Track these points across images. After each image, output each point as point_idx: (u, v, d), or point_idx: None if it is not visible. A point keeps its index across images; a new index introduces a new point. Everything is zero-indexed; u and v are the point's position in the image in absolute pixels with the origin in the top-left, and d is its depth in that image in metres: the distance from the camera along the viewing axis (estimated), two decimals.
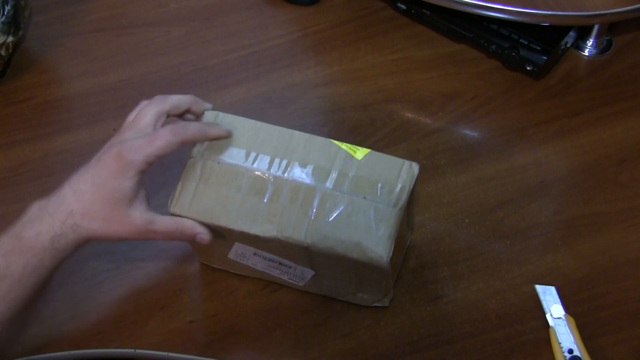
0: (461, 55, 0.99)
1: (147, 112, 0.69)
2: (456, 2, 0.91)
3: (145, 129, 0.68)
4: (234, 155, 0.70)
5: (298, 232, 0.67)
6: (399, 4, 1.00)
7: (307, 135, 0.72)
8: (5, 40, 0.90)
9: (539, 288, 0.77)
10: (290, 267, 0.73)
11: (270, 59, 0.98)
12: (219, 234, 0.70)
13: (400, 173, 0.69)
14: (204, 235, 0.69)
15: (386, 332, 0.75)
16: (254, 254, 0.72)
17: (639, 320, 0.76)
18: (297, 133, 0.72)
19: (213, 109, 0.73)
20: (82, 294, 0.77)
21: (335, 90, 0.95)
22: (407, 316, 0.76)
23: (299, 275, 0.74)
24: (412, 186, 0.69)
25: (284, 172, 0.69)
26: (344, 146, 0.71)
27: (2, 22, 0.89)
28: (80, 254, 0.80)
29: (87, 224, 0.66)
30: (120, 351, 0.74)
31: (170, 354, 0.74)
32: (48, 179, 0.86)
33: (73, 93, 0.95)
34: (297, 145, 0.71)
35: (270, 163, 0.70)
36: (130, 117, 0.71)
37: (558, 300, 0.76)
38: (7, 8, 0.90)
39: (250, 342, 0.75)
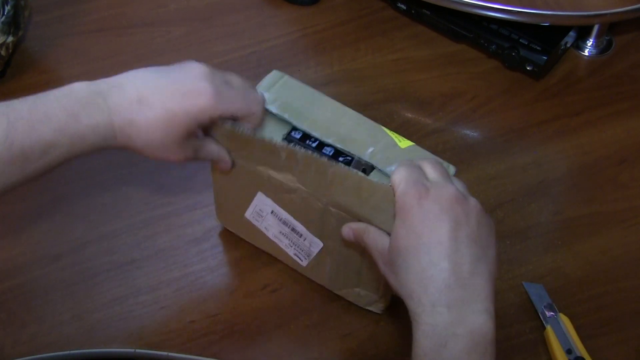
0: (461, 55, 0.99)
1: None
2: (456, 2, 0.91)
3: (246, 82, 0.68)
4: (286, 109, 0.72)
5: (318, 190, 0.68)
6: (399, 4, 1.00)
7: (360, 115, 0.73)
8: (5, 40, 0.90)
9: (527, 286, 0.77)
10: (300, 235, 0.73)
11: (270, 59, 0.98)
12: (248, 175, 0.71)
13: None
14: (227, 164, 0.70)
15: (386, 332, 0.75)
16: (271, 213, 0.72)
17: (639, 320, 0.76)
18: (351, 111, 0.73)
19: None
20: (82, 294, 0.77)
21: (335, 90, 0.95)
22: (407, 316, 0.76)
23: (306, 249, 0.73)
24: None
25: (327, 138, 0.70)
26: (391, 134, 0.71)
27: (2, 22, 0.89)
28: (80, 254, 0.80)
29: (142, 142, 0.63)
30: (120, 351, 0.74)
31: (170, 354, 0.74)
32: (48, 179, 0.85)
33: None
34: (347, 122, 0.72)
35: (317, 128, 0.71)
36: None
37: (547, 298, 0.76)
38: (7, 8, 0.90)
39: (250, 342, 0.75)
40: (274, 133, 0.71)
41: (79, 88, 0.63)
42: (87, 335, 0.75)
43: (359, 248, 0.68)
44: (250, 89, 0.69)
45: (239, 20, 1.03)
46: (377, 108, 0.93)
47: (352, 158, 0.70)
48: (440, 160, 0.68)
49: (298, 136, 0.71)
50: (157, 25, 1.02)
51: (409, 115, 0.93)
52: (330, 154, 0.70)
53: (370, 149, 0.70)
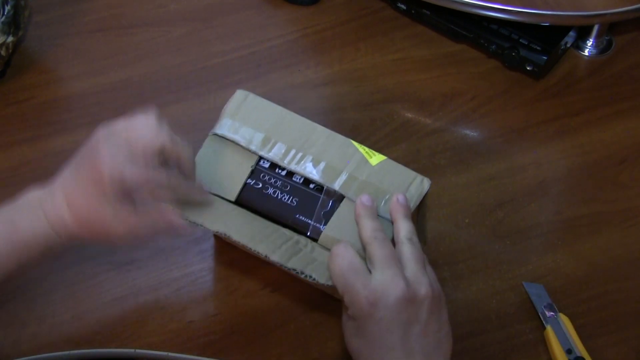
0: (461, 55, 0.99)
1: (151, 138, 0.65)
2: (456, 2, 0.91)
3: (139, 155, 0.64)
4: (252, 139, 0.71)
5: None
6: (399, 4, 1.00)
7: (328, 131, 0.73)
8: (5, 40, 0.90)
9: (527, 286, 0.77)
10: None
11: (270, 59, 0.98)
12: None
13: (409, 187, 0.69)
14: (181, 230, 0.67)
15: None
16: (237, 248, 0.72)
17: (639, 320, 0.76)
18: (320, 128, 0.73)
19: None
20: (82, 294, 0.77)
21: (335, 90, 0.95)
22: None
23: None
24: (418, 202, 0.69)
25: (296, 164, 0.70)
26: (362, 149, 0.71)
27: (2, 22, 0.89)
28: (80, 254, 0.80)
29: (82, 234, 0.65)
30: (120, 351, 0.74)
31: (170, 354, 0.74)
32: (48, 179, 0.85)
33: (73, 93, 0.95)
34: (317, 140, 0.71)
35: (286, 153, 0.71)
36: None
37: (547, 298, 0.76)
38: (7, 8, 0.90)
39: (250, 342, 0.75)
40: (242, 165, 0.71)
41: (26, 197, 0.66)
42: (87, 335, 0.75)
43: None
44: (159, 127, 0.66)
45: (239, 20, 1.03)
46: (377, 108, 0.93)
47: (323, 187, 0.70)
48: (414, 174, 0.69)
49: (266, 165, 0.71)
50: (157, 25, 1.02)
51: (409, 115, 0.93)
52: (300, 181, 0.70)
53: (343, 176, 0.69)
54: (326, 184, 0.69)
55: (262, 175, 0.70)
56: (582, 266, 0.80)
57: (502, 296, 0.78)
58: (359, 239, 0.65)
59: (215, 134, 0.72)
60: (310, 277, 0.64)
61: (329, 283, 0.63)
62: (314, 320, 0.76)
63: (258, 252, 0.65)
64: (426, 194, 0.70)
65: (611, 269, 0.80)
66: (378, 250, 0.62)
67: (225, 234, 0.66)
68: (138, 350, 0.74)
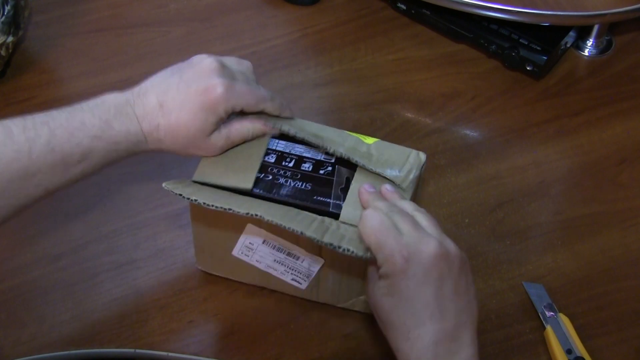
0: (461, 55, 0.99)
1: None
2: (456, 2, 0.91)
3: (250, 75, 0.72)
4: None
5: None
6: (399, 4, 1.00)
7: (321, 125, 0.73)
8: (5, 40, 0.90)
9: (527, 286, 0.77)
10: (298, 258, 0.72)
11: (270, 59, 0.98)
12: (231, 222, 0.71)
13: (408, 159, 0.71)
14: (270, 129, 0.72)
15: None
16: (263, 243, 0.72)
17: (639, 320, 0.77)
18: (313, 123, 0.74)
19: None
20: (82, 294, 0.77)
21: (335, 90, 0.95)
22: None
23: (305, 270, 0.73)
24: (418, 172, 0.70)
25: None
26: (354, 134, 0.73)
27: (2, 22, 0.89)
28: (80, 254, 0.80)
29: (170, 143, 0.68)
30: (120, 351, 0.74)
31: (170, 354, 0.74)
32: None
33: (73, 93, 0.95)
34: (312, 126, 0.73)
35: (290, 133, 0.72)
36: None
37: (547, 298, 0.76)
38: (7, 8, 0.90)
39: (250, 342, 0.75)
40: (252, 156, 0.71)
41: (109, 98, 0.67)
42: (87, 335, 0.75)
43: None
44: (256, 84, 0.71)
45: (239, 20, 1.03)
46: (377, 108, 0.93)
47: (334, 170, 0.70)
48: (409, 149, 0.70)
49: (272, 160, 0.71)
50: (157, 25, 1.02)
51: (409, 115, 0.93)
52: (310, 169, 0.70)
53: (345, 147, 0.71)
54: (331, 148, 0.70)
55: (270, 168, 0.70)
56: (581, 266, 0.80)
57: (502, 296, 0.78)
58: None
59: None
60: (348, 250, 0.63)
61: (368, 255, 0.62)
62: (313, 320, 0.76)
63: (293, 230, 0.65)
64: (423, 166, 0.71)
65: (611, 269, 0.80)
66: (400, 219, 0.62)
67: (256, 215, 0.66)
68: (138, 350, 0.74)
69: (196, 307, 0.77)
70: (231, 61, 0.71)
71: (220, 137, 0.69)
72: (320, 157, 0.72)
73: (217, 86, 0.66)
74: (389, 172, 0.69)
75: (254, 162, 0.71)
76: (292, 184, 0.70)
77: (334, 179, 0.70)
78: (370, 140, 0.72)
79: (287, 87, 0.95)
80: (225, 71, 0.68)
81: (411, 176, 0.69)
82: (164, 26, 1.02)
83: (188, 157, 0.70)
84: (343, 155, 0.70)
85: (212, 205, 0.66)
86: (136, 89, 0.68)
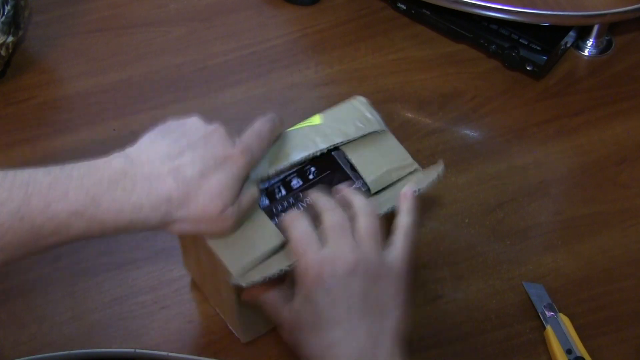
0: (461, 55, 0.99)
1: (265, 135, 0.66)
2: (456, 2, 0.91)
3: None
4: None
5: None
6: (399, 4, 1.00)
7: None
8: (5, 40, 0.90)
9: (527, 286, 0.77)
10: None
11: (270, 59, 0.98)
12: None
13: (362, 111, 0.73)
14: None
15: None
16: None
17: (639, 320, 0.76)
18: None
19: None
20: (82, 294, 0.77)
21: (335, 90, 0.95)
22: (407, 316, 0.76)
23: None
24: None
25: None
26: (300, 125, 0.72)
27: (2, 22, 0.89)
28: (80, 254, 0.80)
29: (183, 216, 0.59)
30: (120, 351, 0.74)
31: (170, 354, 0.74)
32: None
33: (73, 93, 0.95)
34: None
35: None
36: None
37: (547, 298, 0.76)
38: (7, 8, 0.90)
39: (250, 342, 0.74)
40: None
41: (102, 166, 0.59)
42: (87, 335, 0.75)
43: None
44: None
45: (239, 20, 1.03)
46: (377, 108, 0.92)
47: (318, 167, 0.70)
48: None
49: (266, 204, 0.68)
50: (157, 25, 1.02)
51: (409, 115, 0.93)
52: (300, 184, 0.69)
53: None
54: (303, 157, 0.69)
55: (273, 210, 0.68)
56: (581, 266, 0.80)
57: (502, 296, 0.78)
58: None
59: None
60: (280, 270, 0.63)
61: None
62: None
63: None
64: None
65: (611, 269, 0.80)
66: (329, 227, 0.61)
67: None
68: (138, 350, 0.74)
69: (196, 307, 0.77)
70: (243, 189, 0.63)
71: (235, 212, 0.62)
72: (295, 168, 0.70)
73: (236, 153, 0.61)
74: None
75: (260, 217, 0.66)
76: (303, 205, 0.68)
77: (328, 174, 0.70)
78: (316, 118, 0.71)
79: (287, 87, 0.95)
80: (228, 133, 0.63)
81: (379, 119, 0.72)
82: (164, 26, 1.02)
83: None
84: (319, 152, 0.69)
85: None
86: (134, 154, 0.60)
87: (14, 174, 0.58)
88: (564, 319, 0.74)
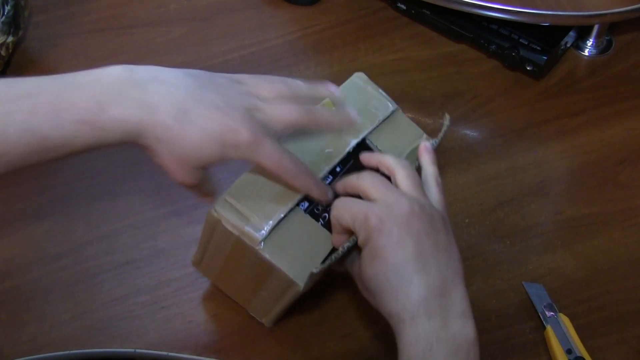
0: (461, 55, 0.99)
1: (295, 89, 0.67)
2: (456, 2, 0.91)
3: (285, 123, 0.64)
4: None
5: None
6: (399, 4, 1.00)
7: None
8: (5, 40, 0.90)
9: (527, 286, 0.78)
10: None
11: (270, 59, 0.98)
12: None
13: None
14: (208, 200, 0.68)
15: (386, 333, 0.75)
16: None
17: (639, 320, 0.76)
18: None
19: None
20: (82, 294, 0.77)
21: None
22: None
23: None
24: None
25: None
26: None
27: (2, 22, 0.89)
28: (80, 254, 0.80)
29: (166, 148, 0.59)
30: (120, 351, 0.74)
31: (170, 354, 0.74)
32: (48, 178, 0.86)
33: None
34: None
35: None
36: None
37: (547, 298, 0.76)
38: (7, 8, 0.90)
39: (250, 342, 0.75)
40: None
41: (114, 74, 0.59)
42: (87, 335, 0.75)
43: None
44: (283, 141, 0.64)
45: (239, 20, 1.03)
46: None
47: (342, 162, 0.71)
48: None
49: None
50: (157, 25, 1.02)
51: (409, 115, 0.92)
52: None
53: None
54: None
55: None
56: (582, 266, 0.80)
57: (502, 296, 0.78)
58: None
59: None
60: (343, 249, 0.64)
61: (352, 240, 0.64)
62: (314, 320, 0.76)
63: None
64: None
65: (611, 269, 0.80)
66: (371, 187, 0.63)
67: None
68: (138, 350, 0.74)
69: (196, 307, 0.77)
70: (264, 113, 0.63)
71: (200, 175, 0.63)
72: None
73: (245, 136, 0.60)
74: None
75: (309, 223, 0.67)
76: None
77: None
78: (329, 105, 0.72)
79: None
80: (257, 118, 0.61)
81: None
82: (164, 26, 1.02)
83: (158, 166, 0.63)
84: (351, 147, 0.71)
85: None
86: (153, 71, 0.60)
87: (21, 81, 0.57)
88: (564, 319, 0.75)
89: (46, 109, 0.56)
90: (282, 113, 0.63)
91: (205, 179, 0.65)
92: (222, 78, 0.64)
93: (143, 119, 0.58)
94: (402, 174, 0.64)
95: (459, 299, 0.59)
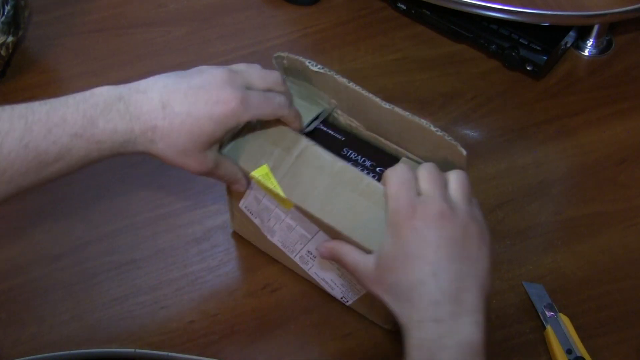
0: (461, 55, 0.99)
1: (277, 74, 0.69)
2: (456, 2, 0.91)
3: (266, 79, 0.67)
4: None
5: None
6: (399, 4, 1.00)
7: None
8: (5, 40, 0.90)
9: (527, 286, 0.78)
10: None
11: (270, 59, 0.98)
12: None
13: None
14: (242, 187, 0.70)
15: (386, 332, 0.75)
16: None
17: (639, 320, 0.77)
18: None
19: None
20: (82, 294, 0.78)
21: None
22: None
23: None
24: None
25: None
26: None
27: (2, 22, 0.89)
28: (80, 254, 0.80)
29: (164, 146, 0.63)
30: (120, 351, 0.74)
31: (170, 354, 0.74)
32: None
33: (73, 93, 0.95)
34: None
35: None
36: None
37: (547, 298, 0.76)
38: (7, 8, 0.90)
39: (250, 342, 0.75)
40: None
41: (99, 92, 0.63)
42: (87, 335, 0.75)
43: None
44: (271, 91, 0.67)
45: (239, 20, 1.03)
46: None
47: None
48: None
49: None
50: (157, 25, 1.02)
51: None
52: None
53: None
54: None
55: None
56: (582, 266, 0.80)
57: (502, 296, 0.78)
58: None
59: None
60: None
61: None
62: (314, 320, 0.76)
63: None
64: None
65: (611, 269, 0.80)
66: (427, 178, 0.62)
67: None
68: (138, 350, 0.74)
69: (196, 307, 0.77)
70: (240, 66, 0.67)
71: (213, 158, 0.66)
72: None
73: (231, 100, 0.63)
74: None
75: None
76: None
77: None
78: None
79: None
80: (237, 80, 0.64)
81: None
82: (164, 26, 1.02)
83: (173, 167, 0.67)
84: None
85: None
86: (134, 85, 0.64)
87: (11, 108, 0.60)
88: (564, 319, 0.75)
89: (39, 126, 0.60)
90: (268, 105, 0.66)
91: (220, 160, 0.67)
92: (216, 68, 0.66)
93: (132, 127, 0.62)
94: (454, 176, 0.64)
95: (472, 310, 0.58)
